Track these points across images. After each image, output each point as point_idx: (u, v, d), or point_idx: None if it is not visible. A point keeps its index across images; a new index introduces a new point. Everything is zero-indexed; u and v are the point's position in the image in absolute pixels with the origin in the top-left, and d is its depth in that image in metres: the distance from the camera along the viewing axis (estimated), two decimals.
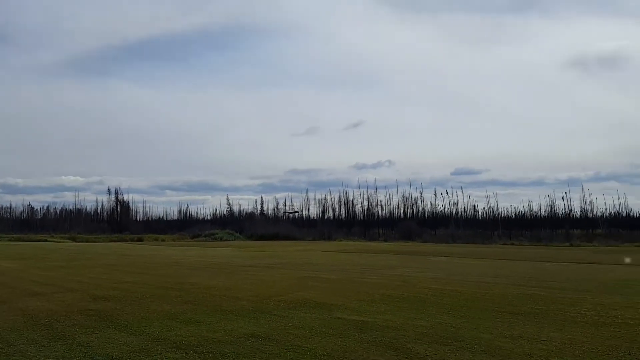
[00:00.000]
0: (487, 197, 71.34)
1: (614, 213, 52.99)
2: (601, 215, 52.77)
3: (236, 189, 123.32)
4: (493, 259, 23.19)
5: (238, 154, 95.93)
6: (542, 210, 55.50)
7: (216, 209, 76.08)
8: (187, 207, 77.52)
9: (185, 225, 65.24)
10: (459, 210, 59.58)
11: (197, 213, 75.87)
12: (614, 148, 76.96)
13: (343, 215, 65.82)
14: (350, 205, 65.80)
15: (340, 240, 48.67)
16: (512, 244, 41.26)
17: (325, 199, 68.42)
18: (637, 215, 51.98)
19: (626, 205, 54.77)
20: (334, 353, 5.79)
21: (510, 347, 6.07)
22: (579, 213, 53.40)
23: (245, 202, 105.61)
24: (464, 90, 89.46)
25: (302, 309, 8.79)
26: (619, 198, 72.77)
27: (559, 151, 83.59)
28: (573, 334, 6.73)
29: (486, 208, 58.79)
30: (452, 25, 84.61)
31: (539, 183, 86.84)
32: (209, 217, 72.70)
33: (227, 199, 73.78)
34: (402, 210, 63.46)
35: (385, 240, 49.95)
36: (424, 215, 61.26)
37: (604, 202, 71.83)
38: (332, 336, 6.65)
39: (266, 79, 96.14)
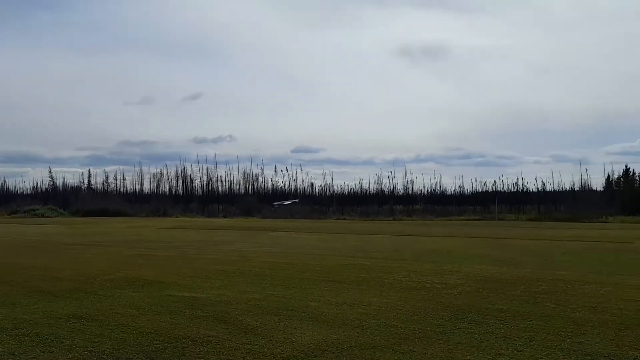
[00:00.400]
0: (324, 174, 75.18)
1: (431, 191, 59.32)
2: (420, 193, 58.76)
3: (60, 161, 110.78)
4: (327, 232, 24.52)
5: (63, 122, 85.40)
6: (371, 188, 59.87)
7: (37, 183, 67.62)
8: (4, 180, 67.37)
9: (1, 201, 57.38)
10: (298, 186, 61.54)
11: (15, 187, 66.49)
12: (433, 132, 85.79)
13: (180, 191, 63.57)
14: (189, 180, 63.72)
15: (177, 217, 47.10)
16: (345, 219, 44.05)
17: (161, 173, 64.77)
18: (449, 193, 58.91)
19: (440, 184, 61.43)
20: (162, 330, 5.63)
21: (335, 312, 6.52)
22: (401, 191, 58.86)
23: (70, 176, 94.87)
24: (302, 70, 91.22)
25: (131, 287, 8.38)
26: (435, 177, 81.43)
27: (387, 134, 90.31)
28: (389, 299, 7.45)
29: (322, 185, 61.53)
30: (293, 4, 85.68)
31: (369, 163, 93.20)
32: (28, 192, 64.48)
33: (50, 172, 65.80)
34: (242, 186, 63.40)
35: (225, 216, 49.62)
36: (264, 192, 62.03)
37: (423, 181, 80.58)
38: (161, 314, 6.46)
39: (97, 43, 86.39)
